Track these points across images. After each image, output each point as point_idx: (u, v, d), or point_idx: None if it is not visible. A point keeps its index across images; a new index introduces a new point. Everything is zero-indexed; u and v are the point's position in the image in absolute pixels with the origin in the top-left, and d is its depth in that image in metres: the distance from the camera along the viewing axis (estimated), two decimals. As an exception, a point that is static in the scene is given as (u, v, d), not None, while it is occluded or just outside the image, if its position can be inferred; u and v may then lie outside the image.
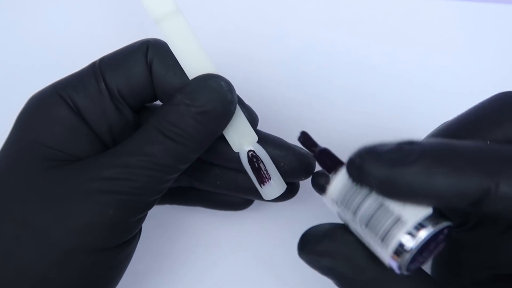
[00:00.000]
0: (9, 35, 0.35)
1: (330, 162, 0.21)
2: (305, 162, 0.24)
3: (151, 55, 0.22)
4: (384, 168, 0.17)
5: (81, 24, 0.35)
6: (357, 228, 0.19)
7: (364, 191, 0.18)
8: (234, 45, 0.34)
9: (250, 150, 0.23)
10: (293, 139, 0.25)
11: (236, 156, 0.24)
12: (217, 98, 0.21)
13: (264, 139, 0.24)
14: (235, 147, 0.23)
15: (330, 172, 0.20)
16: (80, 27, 0.35)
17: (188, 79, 0.22)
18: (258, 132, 0.24)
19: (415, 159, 0.17)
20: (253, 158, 0.23)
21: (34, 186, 0.21)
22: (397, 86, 0.32)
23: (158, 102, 0.24)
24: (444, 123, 0.22)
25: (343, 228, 0.19)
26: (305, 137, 0.22)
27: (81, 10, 0.36)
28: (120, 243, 0.21)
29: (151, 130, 0.21)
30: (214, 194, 0.27)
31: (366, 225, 0.18)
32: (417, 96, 0.32)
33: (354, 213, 0.19)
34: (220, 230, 0.30)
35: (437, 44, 0.33)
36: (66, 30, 0.35)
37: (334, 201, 0.20)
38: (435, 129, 0.22)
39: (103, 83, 0.22)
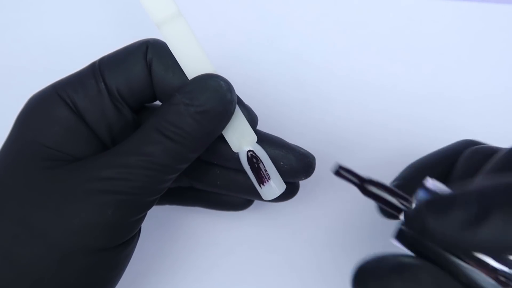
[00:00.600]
0: (9, 35, 0.35)
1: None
2: (305, 162, 0.24)
3: (151, 55, 0.22)
4: (452, 230, 0.15)
5: (81, 24, 0.35)
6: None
7: None
8: (234, 45, 0.34)
9: (250, 150, 0.23)
10: (293, 139, 0.25)
11: (236, 156, 0.24)
12: (216, 97, 0.21)
13: (264, 139, 0.24)
14: (235, 147, 0.23)
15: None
16: (80, 27, 0.35)
17: (188, 79, 0.22)
18: (257, 132, 0.24)
19: (485, 215, 0.14)
20: (252, 158, 0.23)
21: (33, 186, 0.21)
22: (397, 85, 0.32)
23: (157, 102, 0.24)
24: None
25: (421, 263, 0.17)
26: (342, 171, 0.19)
27: (81, 10, 0.36)
28: (119, 243, 0.21)
29: (150, 130, 0.21)
30: (213, 194, 0.27)
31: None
32: (417, 95, 0.32)
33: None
34: (220, 230, 0.30)
35: (437, 44, 0.33)
36: (66, 30, 0.35)
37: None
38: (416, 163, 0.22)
39: (102, 84, 0.22)
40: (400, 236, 0.17)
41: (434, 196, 0.16)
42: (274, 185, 0.23)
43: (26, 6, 0.36)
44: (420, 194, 0.17)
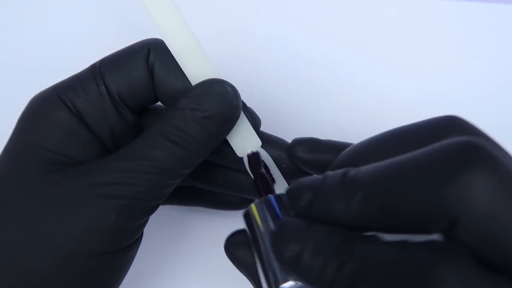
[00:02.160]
0: (9, 35, 0.35)
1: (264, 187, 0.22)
2: None
3: (153, 58, 0.22)
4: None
5: (81, 24, 0.35)
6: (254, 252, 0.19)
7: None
8: (234, 46, 0.34)
9: (254, 155, 0.23)
10: (293, 137, 0.25)
11: (240, 159, 0.23)
12: (222, 102, 0.21)
13: (266, 141, 0.24)
14: (239, 152, 0.23)
15: (261, 196, 0.21)
16: (80, 27, 0.35)
17: (190, 83, 0.22)
18: (260, 133, 0.24)
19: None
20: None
21: (35, 189, 0.20)
22: (397, 85, 0.32)
23: (159, 103, 0.24)
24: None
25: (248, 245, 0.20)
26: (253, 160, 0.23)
27: (81, 10, 0.36)
28: (121, 247, 0.21)
29: (154, 135, 0.21)
30: (215, 194, 0.27)
31: (257, 257, 0.19)
32: (417, 95, 0.32)
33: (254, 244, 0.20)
34: (221, 230, 0.29)
35: (437, 44, 0.33)
36: (66, 30, 0.35)
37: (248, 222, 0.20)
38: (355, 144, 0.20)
39: (103, 86, 0.22)
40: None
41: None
42: (279, 189, 0.23)
43: (26, 6, 0.36)
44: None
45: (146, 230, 0.26)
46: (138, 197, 0.20)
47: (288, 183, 0.24)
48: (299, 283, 0.18)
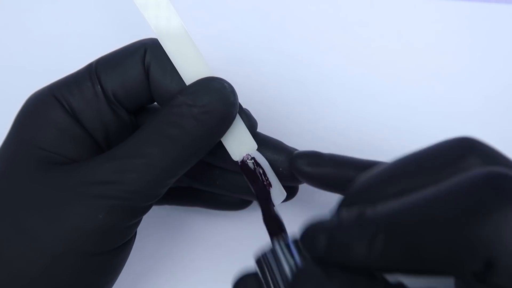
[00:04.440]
0: (9, 35, 0.35)
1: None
2: None
3: (149, 58, 0.22)
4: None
5: (81, 24, 0.35)
6: None
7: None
8: (234, 46, 0.34)
9: (250, 159, 0.23)
10: (292, 140, 0.25)
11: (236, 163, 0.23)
12: (220, 99, 0.21)
13: (264, 143, 0.24)
14: (235, 156, 0.23)
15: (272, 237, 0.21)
16: (80, 27, 0.35)
17: (185, 84, 0.22)
18: (257, 135, 0.24)
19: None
20: (253, 166, 0.23)
21: (27, 188, 0.20)
22: (397, 85, 0.32)
23: (156, 103, 0.24)
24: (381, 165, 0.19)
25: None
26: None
27: (81, 10, 0.36)
28: (112, 248, 0.21)
29: (149, 132, 0.21)
30: (213, 194, 0.27)
31: None
32: (417, 95, 0.32)
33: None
34: (220, 230, 0.30)
35: (437, 44, 0.33)
36: (66, 30, 0.35)
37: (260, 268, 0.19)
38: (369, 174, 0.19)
39: (99, 86, 0.22)
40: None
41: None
42: (274, 193, 0.23)
43: (26, 6, 0.36)
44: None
45: (144, 230, 0.26)
46: (130, 197, 0.20)
47: (285, 187, 0.24)
48: None
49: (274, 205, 0.23)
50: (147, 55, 0.22)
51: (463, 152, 0.16)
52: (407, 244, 0.14)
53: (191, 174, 0.25)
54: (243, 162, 0.23)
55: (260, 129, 0.24)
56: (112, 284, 0.23)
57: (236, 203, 0.27)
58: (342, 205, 0.18)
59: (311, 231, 0.17)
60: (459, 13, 0.34)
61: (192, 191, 0.27)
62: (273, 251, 0.19)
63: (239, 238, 0.29)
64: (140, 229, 0.23)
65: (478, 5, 0.34)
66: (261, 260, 0.19)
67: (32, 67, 0.34)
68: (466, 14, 0.34)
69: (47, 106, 0.22)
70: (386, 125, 0.31)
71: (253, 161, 0.23)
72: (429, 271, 0.14)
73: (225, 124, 0.22)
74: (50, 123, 0.21)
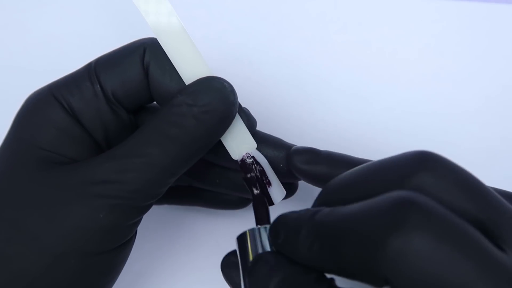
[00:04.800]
0: (9, 35, 0.35)
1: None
2: None
3: (148, 58, 0.22)
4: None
5: (81, 24, 0.35)
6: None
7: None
8: (233, 46, 0.34)
9: (250, 157, 0.23)
10: (293, 140, 0.25)
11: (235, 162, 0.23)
12: (220, 98, 0.21)
13: (263, 140, 0.24)
14: (234, 155, 0.23)
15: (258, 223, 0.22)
16: (80, 27, 0.35)
17: (185, 84, 0.22)
18: (257, 133, 0.24)
19: None
20: (252, 165, 0.23)
21: (27, 188, 0.20)
22: (397, 86, 0.32)
23: (155, 103, 0.24)
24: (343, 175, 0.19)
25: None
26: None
27: (81, 10, 0.36)
28: (113, 247, 0.21)
29: (149, 131, 0.21)
30: (213, 193, 0.27)
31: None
32: (417, 96, 0.32)
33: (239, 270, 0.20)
34: (220, 230, 0.30)
35: (437, 44, 0.33)
36: (65, 30, 0.35)
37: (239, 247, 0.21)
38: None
39: (98, 86, 0.22)
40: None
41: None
42: (274, 192, 0.23)
43: (26, 6, 0.36)
44: None
45: (145, 230, 0.26)
46: (130, 196, 0.20)
47: (284, 185, 0.24)
48: None
49: (273, 204, 0.23)
50: (146, 55, 0.22)
51: (417, 167, 0.16)
52: (332, 251, 0.16)
53: (191, 173, 0.25)
54: (243, 160, 0.23)
55: (260, 128, 0.24)
56: (113, 284, 0.23)
57: (236, 202, 0.27)
58: (315, 201, 0.19)
59: (276, 225, 0.19)
60: (459, 13, 0.34)
61: (192, 190, 0.27)
62: (252, 234, 0.20)
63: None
64: (140, 228, 0.23)
65: (478, 5, 0.34)
66: (240, 240, 0.20)
67: (31, 67, 0.34)
68: (466, 14, 0.34)
69: (46, 106, 0.22)
70: (386, 125, 0.31)
71: (252, 159, 0.23)
72: (353, 277, 0.16)
73: (225, 124, 0.22)
74: (50, 122, 0.21)
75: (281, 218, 0.19)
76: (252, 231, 0.20)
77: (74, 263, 0.20)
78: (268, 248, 0.20)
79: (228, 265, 0.22)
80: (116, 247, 0.21)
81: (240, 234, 0.21)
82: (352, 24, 0.34)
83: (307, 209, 0.18)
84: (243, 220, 0.30)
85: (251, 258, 0.20)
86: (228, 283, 0.22)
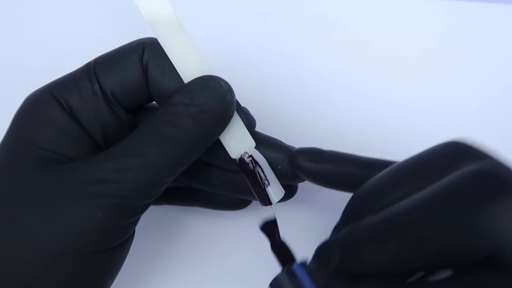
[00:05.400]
0: (9, 35, 0.35)
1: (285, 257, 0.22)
2: None
3: (147, 57, 0.22)
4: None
5: (80, 24, 0.35)
6: None
7: None
8: (233, 46, 0.34)
9: (248, 157, 0.23)
10: (292, 140, 0.25)
11: (234, 161, 0.23)
12: (216, 97, 0.21)
13: (262, 141, 0.24)
14: (233, 154, 0.23)
15: (282, 265, 0.21)
16: (80, 27, 0.35)
17: (184, 83, 0.22)
18: (256, 134, 0.24)
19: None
20: (251, 164, 0.23)
21: (25, 187, 0.20)
22: (397, 85, 0.32)
23: (155, 102, 0.24)
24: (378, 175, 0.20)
25: None
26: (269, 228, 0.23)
27: (81, 10, 0.36)
28: (111, 247, 0.21)
29: (147, 131, 0.21)
30: (212, 194, 0.27)
31: None
32: (417, 95, 0.32)
33: None
34: (219, 230, 0.30)
35: (437, 44, 0.33)
36: (65, 30, 0.35)
37: None
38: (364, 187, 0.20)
39: (97, 85, 0.22)
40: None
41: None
42: (272, 192, 0.23)
43: (26, 6, 0.36)
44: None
45: (144, 230, 0.26)
46: (128, 195, 0.20)
47: (283, 187, 0.24)
48: None
49: (271, 203, 0.23)
50: (145, 54, 0.22)
51: (455, 156, 0.17)
52: (417, 241, 0.15)
53: (189, 174, 0.25)
54: (241, 159, 0.23)
55: (259, 129, 0.24)
56: (111, 283, 0.23)
57: (235, 203, 0.27)
58: (343, 215, 0.19)
59: (325, 248, 0.18)
60: (460, 13, 0.34)
61: (191, 191, 0.27)
62: (284, 278, 0.19)
63: (238, 238, 0.29)
64: (139, 229, 0.23)
65: (479, 5, 0.34)
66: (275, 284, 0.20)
67: (31, 67, 0.34)
68: (467, 14, 0.34)
69: (45, 105, 0.22)
70: (387, 125, 0.31)
71: (251, 159, 0.23)
72: (443, 264, 0.16)
73: (222, 123, 0.22)
74: (49, 122, 0.21)
75: (326, 242, 0.18)
76: (283, 275, 0.20)
77: (72, 262, 0.20)
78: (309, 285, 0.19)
79: None
80: (114, 246, 0.21)
81: (274, 281, 0.20)
82: (353, 24, 0.34)
83: (348, 226, 0.18)
84: (243, 221, 0.30)
85: None
86: None
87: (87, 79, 0.22)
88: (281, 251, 0.22)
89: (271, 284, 0.20)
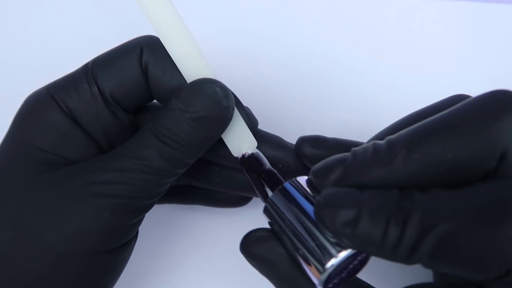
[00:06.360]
0: (9, 35, 0.35)
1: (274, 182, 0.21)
2: (304, 164, 0.24)
3: (146, 57, 0.22)
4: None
5: (80, 24, 0.35)
6: (287, 240, 0.19)
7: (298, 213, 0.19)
8: (234, 46, 0.34)
9: (250, 155, 0.23)
10: (293, 139, 0.25)
11: (236, 159, 0.23)
12: (212, 104, 0.21)
13: (264, 140, 0.24)
14: (235, 152, 0.23)
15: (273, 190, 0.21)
16: (80, 27, 0.35)
17: (186, 81, 0.22)
18: (257, 132, 0.24)
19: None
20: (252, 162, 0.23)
21: (29, 189, 0.20)
22: (397, 85, 0.32)
23: (156, 101, 0.24)
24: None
25: (274, 237, 0.20)
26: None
27: (81, 10, 0.36)
28: (116, 246, 0.21)
29: (147, 135, 0.21)
30: (213, 192, 0.27)
31: (295, 241, 0.19)
32: (417, 96, 0.32)
33: (286, 229, 0.19)
34: (220, 229, 0.30)
35: (437, 44, 0.33)
36: (65, 30, 0.35)
37: (271, 214, 0.20)
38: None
39: (95, 87, 0.22)
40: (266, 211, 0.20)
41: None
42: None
43: (26, 6, 0.36)
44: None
45: (145, 229, 0.26)
46: (132, 195, 0.20)
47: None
48: (352, 251, 0.17)
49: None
50: (144, 54, 0.22)
51: (497, 110, 0.18)
52: (427, 151, 0.16)
53: (190, 172, 0.25)
54: (243, 158, 0.23)
55: (261, 127, 0.25)
56: (115, 282, 0.23)
57: (235, 200, 0.28)
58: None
59: (326, 165, 0.18)
60: (459, 13, 0.34)
61: (192, 189, 0.27)
62: (278, 195, 0.19)
63: (239, 236, 0.29)
64: (140, 228, 0.23)
65: (478, 5, 0.34)
66: (272, 205, 0.20)
67: (31, 67, 0.34)
68: (466, 14, 0.34)
69: (45, 108, 0.21)
70: (386, 124, 0.31)
71: (252, 157, 0.23)
72: (448, 177, 0.17)
73: (219, 128, 0.22)
74: (49, 124, 0.21)
75: (327, 160, 0.19)
76: (277, 192, 0.20)
77: (77, 262, 0.20)
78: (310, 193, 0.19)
79: (256, 241, 0.20)
80: (118, 246, 0.21)
81: (266, 205, 0.20)
82: (353, 24, 0.34)
83: (354, 148, 0.18)
84: (243, 218, 0.30)
85: (302, 207, 0.19)
86: (256, 262, 0.20)
87: (86, 81, 0.22)
88: (270, 178, 0.22)
89: (265, 208, 0.20)
